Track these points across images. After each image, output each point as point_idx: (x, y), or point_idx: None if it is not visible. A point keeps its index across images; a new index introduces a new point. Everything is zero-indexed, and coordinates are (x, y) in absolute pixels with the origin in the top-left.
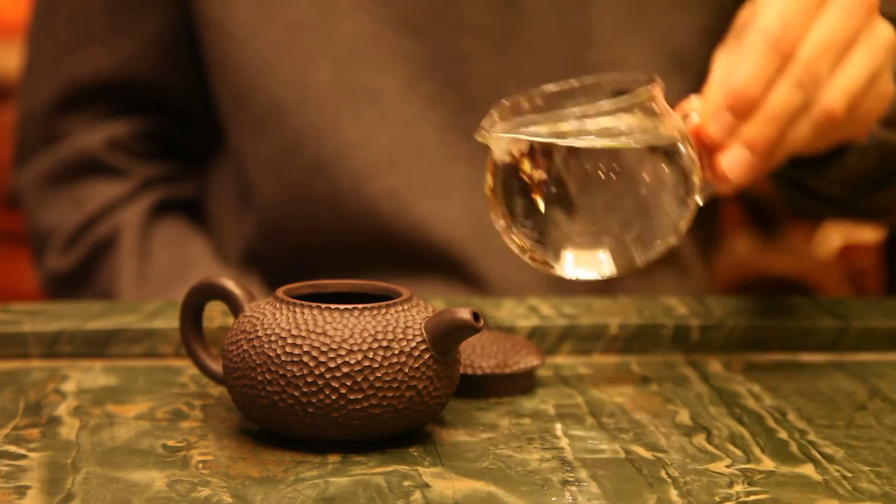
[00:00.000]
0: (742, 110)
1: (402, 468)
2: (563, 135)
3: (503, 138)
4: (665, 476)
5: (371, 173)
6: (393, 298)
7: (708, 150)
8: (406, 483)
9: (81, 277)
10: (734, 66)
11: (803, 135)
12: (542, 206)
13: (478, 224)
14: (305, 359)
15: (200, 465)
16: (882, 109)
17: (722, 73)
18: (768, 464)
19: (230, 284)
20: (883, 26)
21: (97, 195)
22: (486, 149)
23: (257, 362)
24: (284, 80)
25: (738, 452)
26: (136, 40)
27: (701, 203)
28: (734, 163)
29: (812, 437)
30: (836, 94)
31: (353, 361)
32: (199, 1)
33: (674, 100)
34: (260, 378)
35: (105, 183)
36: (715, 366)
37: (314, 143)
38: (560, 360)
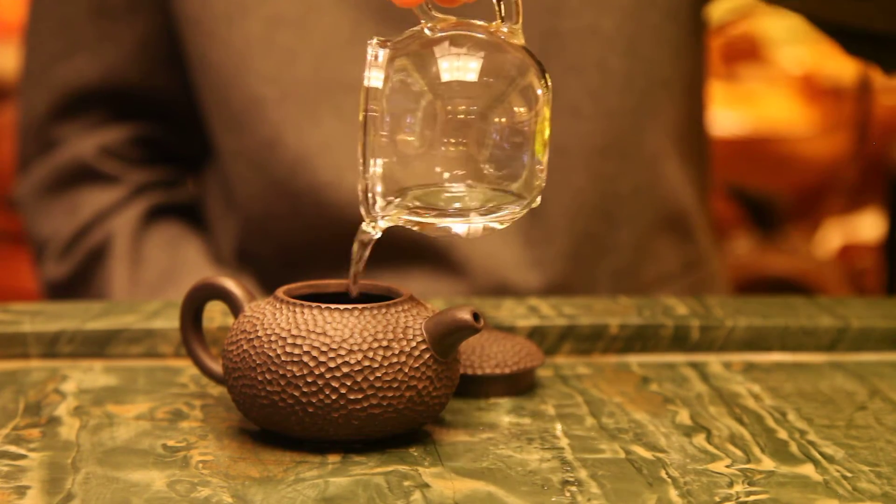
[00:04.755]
0: None
1: (402, 468)
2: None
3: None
4: (665, 476)
5: (354, 164)
6: (393, 298)
7: None
8: (406, 483)
9: (77, 285)
10: None
11: None
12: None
13: None
14: (305, 359)
15: (200, 465)
16: None
17: None
18: (768, 464)
19: (230, 284)
20: None
21: (90, 203)
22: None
23: (257, 362)
24: (264, 75)
25: (738, 452)
26: (122, 46)
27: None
28: None
29: (812, 437)
30: None
31: (353, 361)
32: (178, 0)
33: (662, 52)
34: (260, 378)
35: (98, 190)
36: (715, 366)
37: (295, 137)
38: (560, 360)
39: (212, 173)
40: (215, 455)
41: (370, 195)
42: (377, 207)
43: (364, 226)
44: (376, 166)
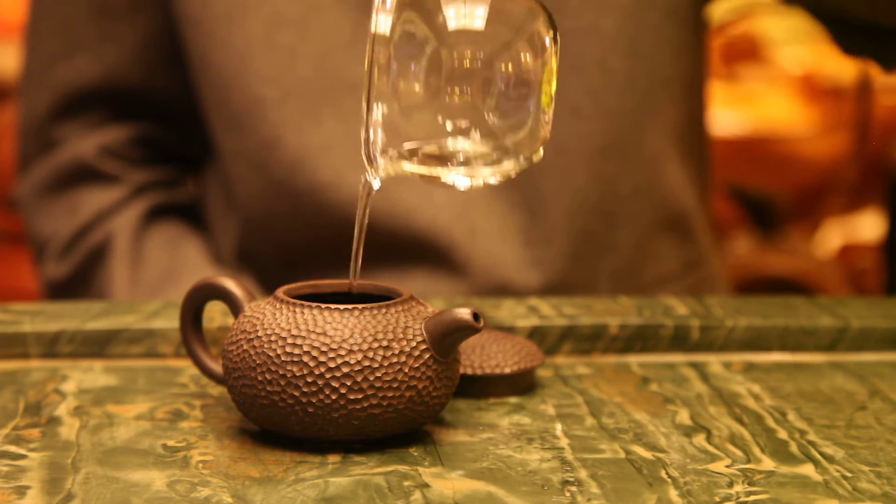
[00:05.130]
0: None
1: (402, 468)
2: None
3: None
4: (665, 476)
5: (354, 164)
6: (393, 298)
7: None
8: (406, 483)
9: (78, 285)
10: None
11: None
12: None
13: (460, 208)
14: (305, 359)
15: (200, 465)
16: None
17: None
18: (768, 464)
19: (230, 284)
20: None
21: (91, 202)
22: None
23: (257, 362)
24: (264, 75)
25: (738, 452)
26: (123, 46)
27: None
28: None
29: (812, 437)
30: None
31: (353, 361)
32: (178, 0)
33: (663, 52)
34: (260, 378)
35: (99, 190)
36: (715, 366)
37: (295, 137)
38: (560, 360)
39: (212, 173)
40: (215, 455)
41: (372, 142)
42: (378, 155)
43: (365, 175)
44: (379, 112)
